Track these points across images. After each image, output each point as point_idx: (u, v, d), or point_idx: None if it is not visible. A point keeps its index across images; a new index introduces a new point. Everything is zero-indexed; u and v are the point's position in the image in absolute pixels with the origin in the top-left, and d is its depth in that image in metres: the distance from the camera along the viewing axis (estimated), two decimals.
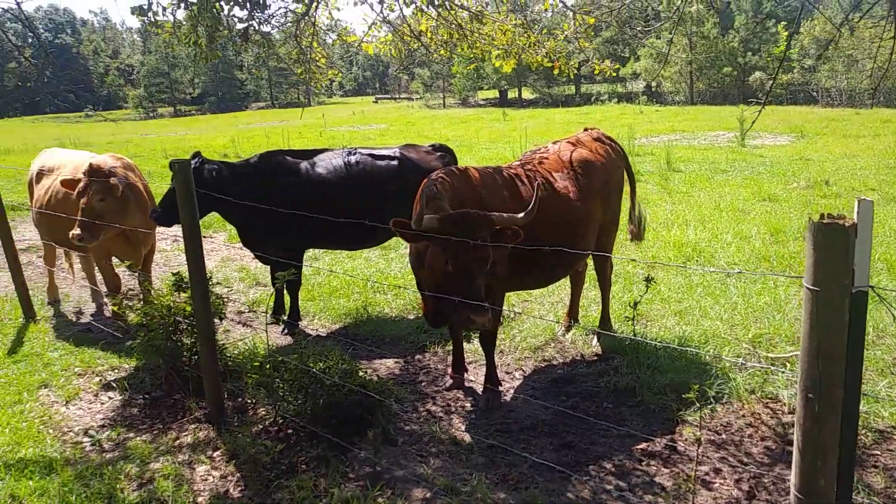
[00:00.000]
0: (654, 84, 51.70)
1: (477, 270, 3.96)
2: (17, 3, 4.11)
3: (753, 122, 4.49)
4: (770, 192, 11.45)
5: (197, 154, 5.82)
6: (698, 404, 3.75)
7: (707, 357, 5.26)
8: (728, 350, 5.40)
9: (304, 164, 6.18)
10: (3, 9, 4.52)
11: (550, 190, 4.88)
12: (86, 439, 4.51)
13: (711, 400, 4.55)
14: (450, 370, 5.24)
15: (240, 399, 4.88)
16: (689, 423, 4.35)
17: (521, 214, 4.12)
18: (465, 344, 5.44)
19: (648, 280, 5.19)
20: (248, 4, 5.30)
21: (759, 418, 4.46)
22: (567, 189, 4.96)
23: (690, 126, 26.27)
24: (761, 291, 6.57)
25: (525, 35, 5.64)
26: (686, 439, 4.19)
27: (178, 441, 4.42)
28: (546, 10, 5.99)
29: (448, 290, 4.02)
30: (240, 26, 5.66)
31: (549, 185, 4.90)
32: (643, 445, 4.18)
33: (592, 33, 5.73)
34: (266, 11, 5.41)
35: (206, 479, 4.00)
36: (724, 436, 4.28)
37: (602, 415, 4.57)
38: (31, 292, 6.99)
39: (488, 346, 4.83)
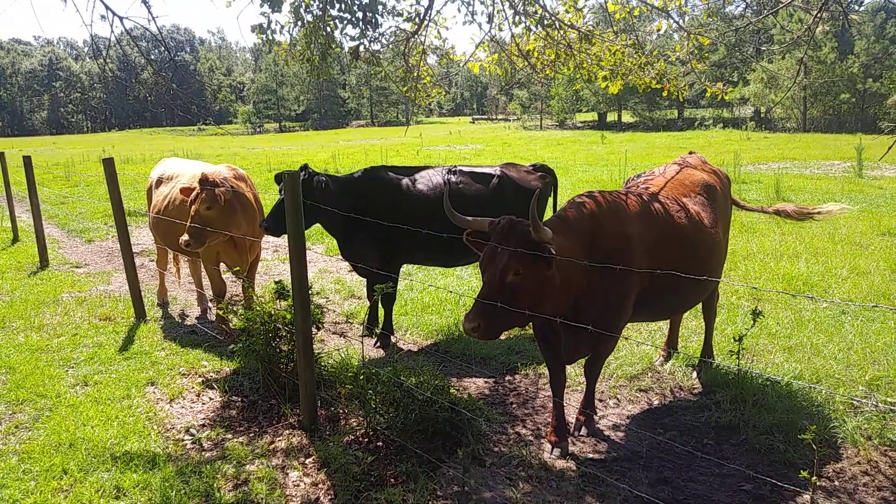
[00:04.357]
0: (763, 110, 49.67)
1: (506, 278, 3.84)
2: (153, 18, 4.38)
3: (888, 150, 4.17)
4: (890, 225, 10.70)
5: (305, 167, 6.00)
6: (814, 447, 3.51)
7: (819, 397, 4.93)
8: (842, 391, 5.04)
9: (405, 180, 6.26)
10: (136, 26, 4.81)
11: (682, 214, 4.64)
12: (187, 437, 4.69)
13: (823, 444, 4.26)
14: (550, 433, 4.51)
15: (332, 408, 4.95)
16: (799, 466, 4.08)
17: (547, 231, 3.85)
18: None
19: (756, 313, 4.91)
20: (360, 23, 5.46)
21: (876, 466, 4.14)
22: (698, 214, 4.75)
23: (802, 154, 24.99)
24: (880, 331, 6.12)
25: (635, 56, 5.52)
26: (794, 483, 3.92)
27: (272, 445, 4.52)
28: (659, 30, 5.86)
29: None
30: (351, 44, 5.84)
31: (680, 210, 4.67)
32: (746, 487, 3.95)
33: (707, 55, 5.54)
34: (377, 30, 5.56)
35: (297, 485, 4.06)
36: (836, 483, 4.00)
37: (702, 451, 4.36)
38: (142, 294, 7.38)
39: (593, 373, 4.63)
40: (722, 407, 4.86)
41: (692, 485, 4.02)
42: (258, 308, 5.16)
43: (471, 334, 3.82)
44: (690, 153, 5.63)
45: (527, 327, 6.15)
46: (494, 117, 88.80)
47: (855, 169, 18.19)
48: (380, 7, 5.65)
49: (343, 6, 5.54)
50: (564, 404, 4.52)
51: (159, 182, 7.25)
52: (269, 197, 7.38)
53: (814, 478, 3.32)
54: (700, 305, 5.65)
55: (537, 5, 5.62)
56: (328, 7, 5.53)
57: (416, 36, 6.14)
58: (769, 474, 4.03)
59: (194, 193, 6.06)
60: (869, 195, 14.21)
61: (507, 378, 5.66)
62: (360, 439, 4.49)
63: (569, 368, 5.58)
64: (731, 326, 6.37)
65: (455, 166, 6.50)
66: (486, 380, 5.63)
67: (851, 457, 4.25)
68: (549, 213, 5.03)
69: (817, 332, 6.17)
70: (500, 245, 3.87)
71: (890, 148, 3.90)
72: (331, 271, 9.39)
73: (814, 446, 3.54)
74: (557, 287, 3.97)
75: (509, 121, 74.97)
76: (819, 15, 5.06)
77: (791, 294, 4.01)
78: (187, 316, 7.55)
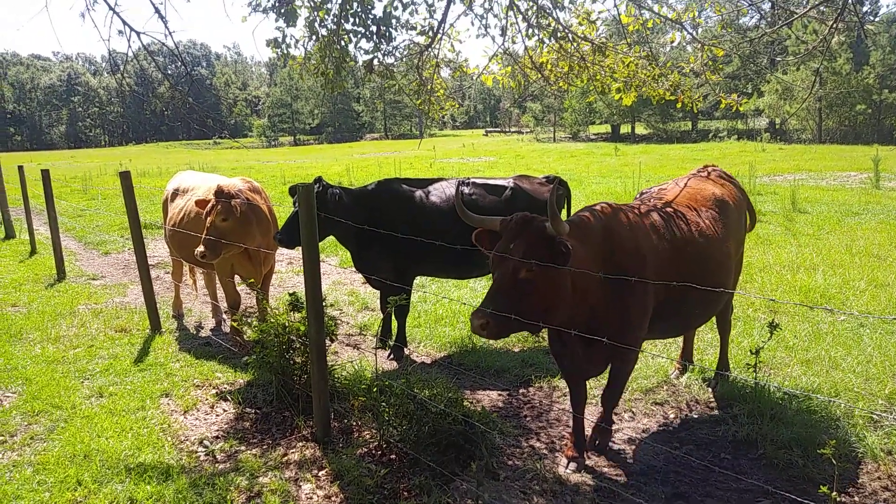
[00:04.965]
0: (778, 121, 49.44)
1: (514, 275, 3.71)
2: (169, 33, 4.44)
3: None
4: None
5: (319, 179, 6.02)
6: (834, 462, 3.45)
7: (838, 411, 4.86)
8: (862, 405, 4.97)
9: (418, 193, 6.27)
10: (153, 41, 4.86)
11: (694, 228, 4.59)
12: (201, 449, 4.69)
13: (843, 458, 4.20)
14: (567, 448, 4.49)
15: (346, 420, 4.94)
16: (818, 481, 4.01)
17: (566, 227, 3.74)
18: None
19: (773, 326, 4.86)
20: (374, 37, 5.50)
21: None
22: (710, 228, 4.68)
23: (817, 165, 24.82)
24: None
25: (649, 67, 5.52)
26: (813, 499, 3.86)
27: (285, 457, 4.52)
28: (673, 41, 5.84)
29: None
30: (365, 58, 5.88)
31: (692, 224, 4.62)
32: (765, 502, 3.89)
33: (722, 66, 5.52)
34: (391, 44, 5.60)
35: (310, 498, 4.05)
36: (856, 498, 3.93)
37: (719, 466, 4.30)
38: (158, 306, 7.42)
39: (612, 399, 4.51)
40: (739, 421, 4.80)
41: (709, 500, 3.96)
42: (272, 320, 5.17)
43: (478, 332, 3.65)
44: (706, 166, 5.59)
45: (540, 337, 6.13)
46: (507, 130, 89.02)
47: (872, 180, 18.03)
48: (393, 21, 5.69)
49: (357, 20, 5.58)
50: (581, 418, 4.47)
51: (175, 195, 7.30)
52: (284, 209, 7.42)
53: (833, 493, 3.27)
54: (714, 318, 5.60)
55: (550, 18, 5.64)
56: (342, 21, 5.58)
57: (429, 49, 6.17)
58: (788, 490, 3.97)
59: (210, 205, 6.10)
60: (887, 206, 14.07)
61: (521, 391, 5.63)
62: (374, 452, 4.48)
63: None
64: (747, 339, 6.31)
65: (468, 178, 6.50)
66: (499, 392, 5.60)
67: (871, 472, 4.18)
68: None
69: (835, 345, 6.09)
70: (513, 241, 3.74)
71: None
72: (344, 283, 9.40)
73: (833, 461, 3.48)
74: (570, 291, 3.84)
75: (522, 133, 75.13)
76: (834, 26, 5.04)
77: (808, 306, 3.97)
78: (202, 328, 7.58)
